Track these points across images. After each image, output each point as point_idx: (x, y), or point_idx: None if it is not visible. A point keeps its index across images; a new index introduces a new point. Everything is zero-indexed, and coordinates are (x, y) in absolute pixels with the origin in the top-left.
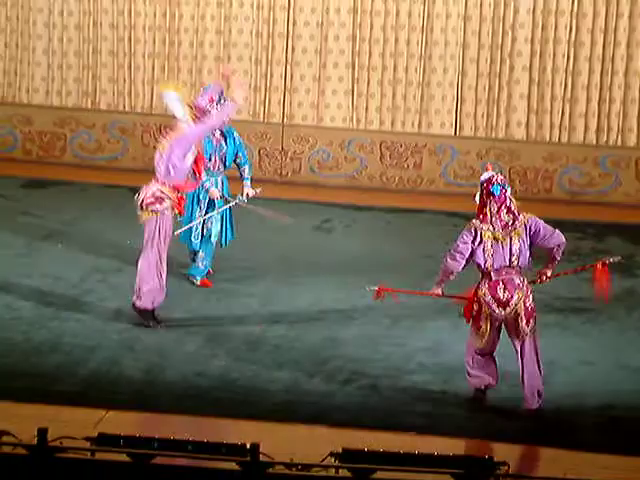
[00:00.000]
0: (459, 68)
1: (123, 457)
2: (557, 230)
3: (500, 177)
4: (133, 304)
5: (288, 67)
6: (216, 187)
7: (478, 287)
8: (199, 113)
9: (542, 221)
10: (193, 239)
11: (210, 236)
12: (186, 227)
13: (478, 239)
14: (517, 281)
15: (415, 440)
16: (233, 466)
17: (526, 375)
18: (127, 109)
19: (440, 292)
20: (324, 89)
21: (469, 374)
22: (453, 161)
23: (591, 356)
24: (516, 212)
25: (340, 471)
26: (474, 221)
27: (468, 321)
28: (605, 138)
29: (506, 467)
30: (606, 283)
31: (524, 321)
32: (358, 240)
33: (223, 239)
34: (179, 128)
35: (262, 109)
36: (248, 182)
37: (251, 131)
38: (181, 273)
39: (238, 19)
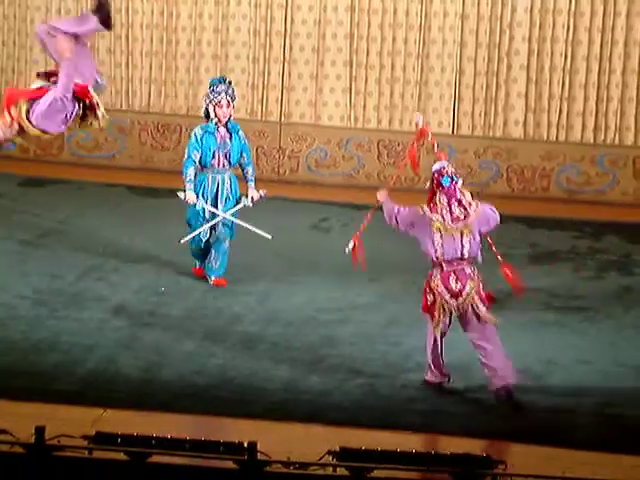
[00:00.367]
0: (457, 67)
1: (121, 455)
2: (497, 214)
3: (451, 169)
4: None
5: (286, 65)
6: (223, 185)
7: (430, 278)
8: None
9: (493, 211)
10: (202, 237)
11: (221, 236)
12: (192, 235)
13: (427, 228)
14: (468, 271)
15: (412, 439)
16: (230, 465)
17: (495, 356)
18: (124, 107)
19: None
20: (322, 87)
21: (430, 368)
22: (451, 160)
23: (589, 354)
24: (468, 205)
25: (338, 469)
26: (424, 207)
27: (424, 310)
28: (603, 137)
29: (504, 466)
30: (516, 279)
31: (482, 308)
32: None
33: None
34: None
35: (260, 107)
36: (252, 184)
37: (249, 129)
38: (179, 272)
39: (236, 17)
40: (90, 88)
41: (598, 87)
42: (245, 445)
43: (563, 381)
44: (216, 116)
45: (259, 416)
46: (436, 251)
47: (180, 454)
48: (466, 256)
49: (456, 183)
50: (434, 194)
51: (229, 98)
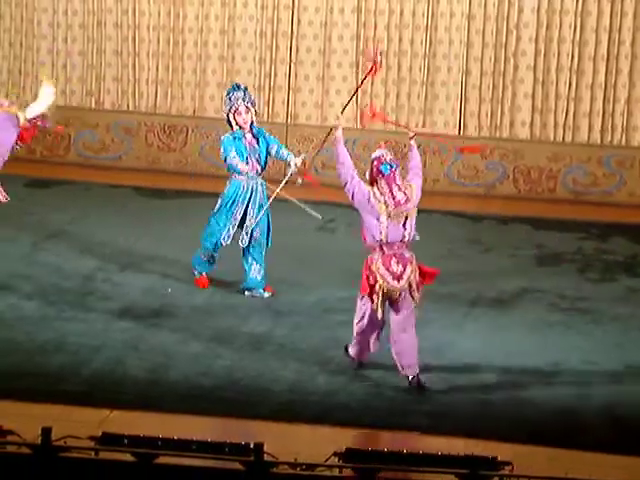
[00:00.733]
0: (463, 67)
1: (127, 457)
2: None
3: (390, 156)
4: None
5: (292, 67)
6: (256, 193)
7: (371, 261)
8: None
9: (419, 186)
10: (241, 243)
11: (258, 242)
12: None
13: (375, 211)
14: (407, 255)
15: (419, 440)
16: (237, 466)
17: (410, 347)
18: (131, 109)
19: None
20: (328, 89)
21: (354, 343)
22: (457, 161)
23: (595, 356)
24: (407, 191)
25: (344, 471)
26: (374, 189)
27: (363, 292)
28: (609, 138)
29: (510, 467)
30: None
31: (416, 292)
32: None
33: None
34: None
35: (266, 109)
36: (291, 155)
37: None
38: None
39: (242, 19)
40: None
41: (605, 88)
42: (252, 446)
43: (569, 382)
44: (237, 124)
45: (266, 417)
46: (381, 233)
47: (187, 455)
48: (406, 239)
49: (395, 170)
50: (374, 182)
51: (247, 104)
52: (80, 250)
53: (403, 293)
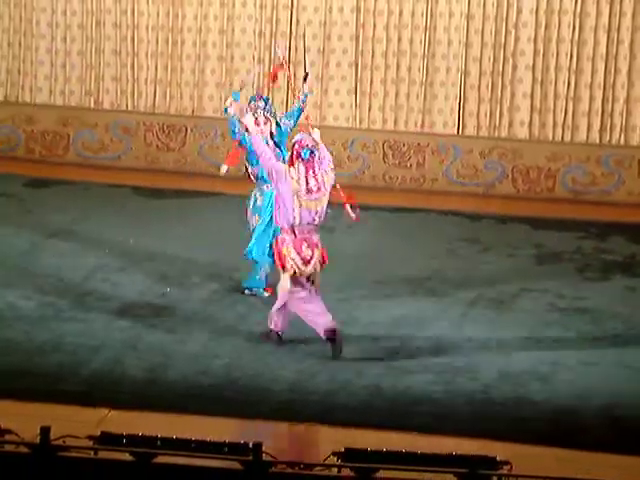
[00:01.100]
0: (462, 67)
1: (126, 456)
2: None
3: (311, 141)
4: None
5: (291, 67)
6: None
7: (282, 244)
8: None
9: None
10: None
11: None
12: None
13: (291, 192)
14: (315, 239)
15: (418, 439)
16: (236, 465)
17: (316, 311)
18: (130, 108)
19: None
20: (327, 88)
21: (277, 313)
22: (456, 160)
23: (594, 356)
24: (322, 179)
25: (342, 470)
26: (292, 170)
27: (281, 268)
28: (608, 137)
29: (509, 466)
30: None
31: (318, 274)
32: (360, 239)
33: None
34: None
35: None
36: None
37: None
38: (184, 273)
39: (241, 18)
40: None
41: (604, 87)
42: (250, 445)
43: (568, 382)
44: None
45: (264, 417)
46: (294, 216)
47: (185, 455)
48: (316, 222)
49: (315, 156)
50: (293, 164)
51: (267, 114)
52: (79, 250)
53: (308, 276)
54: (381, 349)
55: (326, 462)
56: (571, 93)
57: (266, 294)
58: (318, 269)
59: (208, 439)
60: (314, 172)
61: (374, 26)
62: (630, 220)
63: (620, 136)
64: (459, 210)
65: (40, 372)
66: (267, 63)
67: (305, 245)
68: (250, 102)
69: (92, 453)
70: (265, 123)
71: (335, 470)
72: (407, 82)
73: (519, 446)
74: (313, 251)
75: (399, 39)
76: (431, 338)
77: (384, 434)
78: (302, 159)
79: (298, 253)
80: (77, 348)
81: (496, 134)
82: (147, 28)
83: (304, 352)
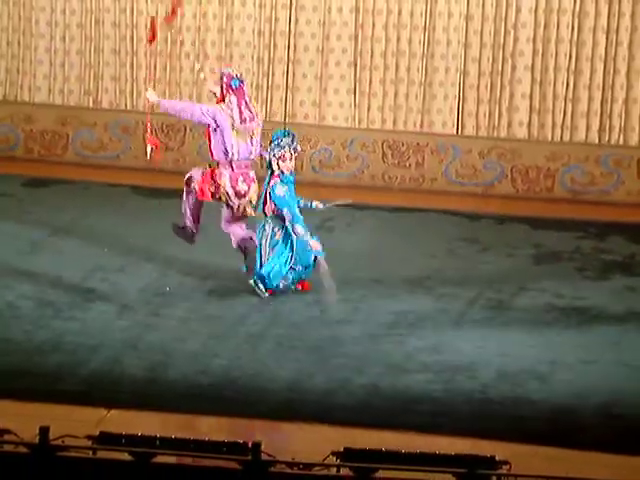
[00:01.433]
0: (461, 67)
1: (125, 456)
2: None
3: (237, 72)
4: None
5: (290, 66)
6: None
7: (219, 175)
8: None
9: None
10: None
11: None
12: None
13: (227, 127)
14: (252, 174)
15: (417, 439)
16: (235, 465)
17: (242, 233)
18: (129, 108)
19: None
20: (326, 88)
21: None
22: (455, 160)
23: (593, 355)
24: (254, 109)
25: (342, 470)
26: (222, 105)
27: (200, 198)
28: (607, 137)
29: (508, 466)
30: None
31: (250, 209)
32: (359, 239)
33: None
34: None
35: (264, 108)
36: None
37: None
38: (183, 272)
39: (240, 17)
40: None
41: (603, 88)
42: (249, 445)
43: (567, 381)
44: (279, 168)
45: (263, 416)
46: (232, 149)
47: (184, 454)
48: (252, 156)
49: (244, 85)
50: (223, 99)
51: (293, 151)
52: (78, 249)
53: (240, 208)
54: (380, 348)
55: (325, 462)
56: (570, 94)
57: (266, 294)
58: (254, 201)
59: (207, 439)
60: (246, 102)
61: (373, 26)
62: (629, 220)
63: (619, 136)
64: (458, 210)
65: (39, 372)
66: (265, 62)
67: (241, 179)
68: (277, 138)
69: (91, 453)
70: (291, 159)
71: (334, 470)
72: (406, 82)
73: (518, 445)
74: (249, 185)
75: (398, 39)
76: (430, 337)
77: (383, 433)
78: (232, 89)
79: (233, 187)
80: (76, 348)
81: (495, 134)
82: (146, 27)
83: (303, 352)
